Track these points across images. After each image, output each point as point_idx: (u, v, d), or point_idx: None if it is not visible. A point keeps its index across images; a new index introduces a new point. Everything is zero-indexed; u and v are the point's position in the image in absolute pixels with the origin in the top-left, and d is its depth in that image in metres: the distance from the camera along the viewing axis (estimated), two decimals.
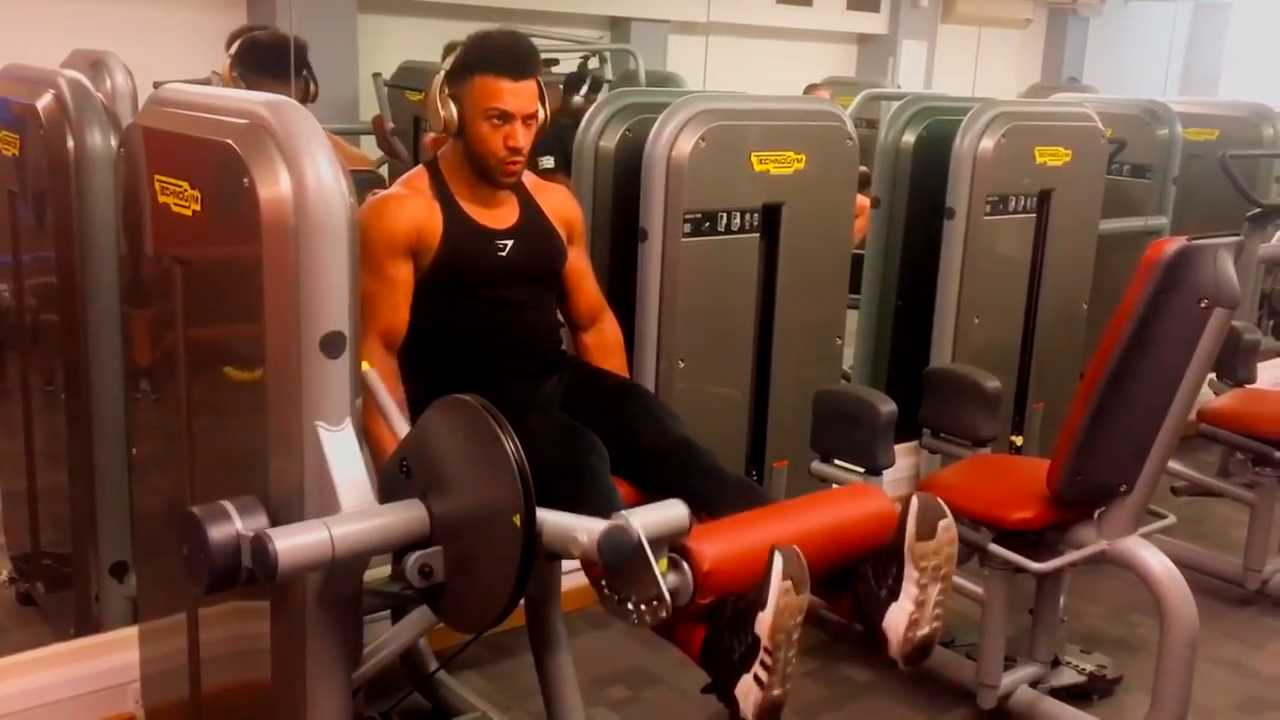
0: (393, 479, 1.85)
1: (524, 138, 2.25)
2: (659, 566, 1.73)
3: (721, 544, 1.86)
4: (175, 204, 1.96)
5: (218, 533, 1.74)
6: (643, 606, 1.74)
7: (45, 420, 2.78)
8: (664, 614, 1.73)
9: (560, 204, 2.46)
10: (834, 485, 2.93)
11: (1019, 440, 3.95)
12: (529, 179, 2.44)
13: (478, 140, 2.25)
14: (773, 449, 3.25)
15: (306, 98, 3.11)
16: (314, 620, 1.87)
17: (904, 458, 3.67)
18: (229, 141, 1.80)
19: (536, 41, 6.79)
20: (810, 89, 6.16)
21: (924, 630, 1.92)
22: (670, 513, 1.78)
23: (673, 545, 1.81)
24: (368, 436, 2.17)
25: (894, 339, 4.03)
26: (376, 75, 5.47)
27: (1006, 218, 3.67)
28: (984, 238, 3.63)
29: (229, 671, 2.10)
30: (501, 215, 2.34)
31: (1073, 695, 2.76)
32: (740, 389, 3.16)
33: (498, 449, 1.69)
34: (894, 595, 1.92)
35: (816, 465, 2.83)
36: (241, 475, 1.89)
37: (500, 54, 2.24)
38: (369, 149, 5.56)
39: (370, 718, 2.04)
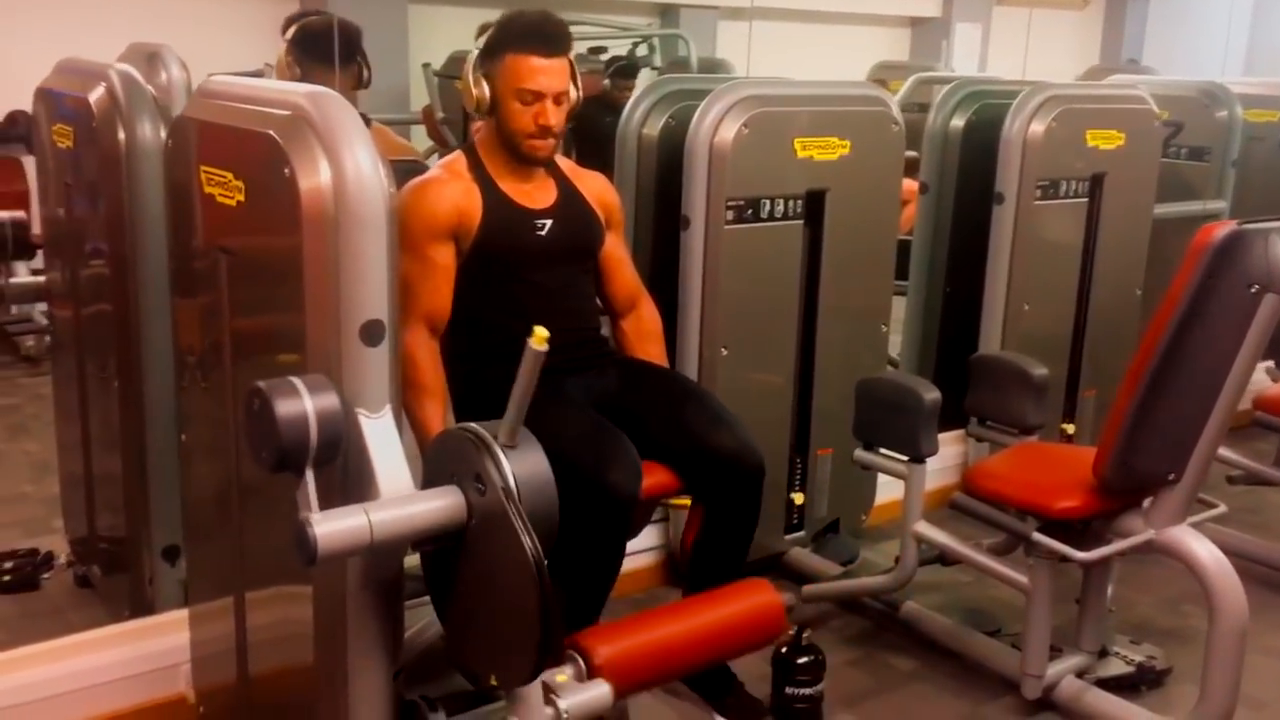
0: (434, 463, 1.87)
1: (554, 116, 2.27)
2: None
3: (622, 662, 1.99)
4: (220, 195, 1.99)
5: (287, 407, 1.69)
6: None
7: (101, 407, 2.84)
8: None
9: (598, 188, 2.47)
10: (878, 473, 2.93)
11: (1071, 428, 3.90)
12: (566, 164, 2.46)
13: (509, 119, 2.27)
14: (817, 437, 3.24)
15: (360, 84, 3.13)
16: (355, 604, 1.90)
17: (952, 446, 3.65)
18: (270, 132, 1.82)
19: (587, 29, 6.76)
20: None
21: None
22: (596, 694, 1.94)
23: (569, 643, 1.96)
24: (409, 414, 2.20)
25: (942, 326, 4.00)
26: (426, 65, 5.53)
27: (1057, 202, 3.63)
28: (1034, 223, 3.59)
29: (274, 655, 2.14)
30: (540, 196, 2.35)
31: (1120, 686, 2.72)
32: (784, 377, 3.15)
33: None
34: None
35: (860, 453, 2.82)
36: None
37: (530, 32, 2.26)
38: (419, 139, 5.61)
39: (412, 700, 2.06)
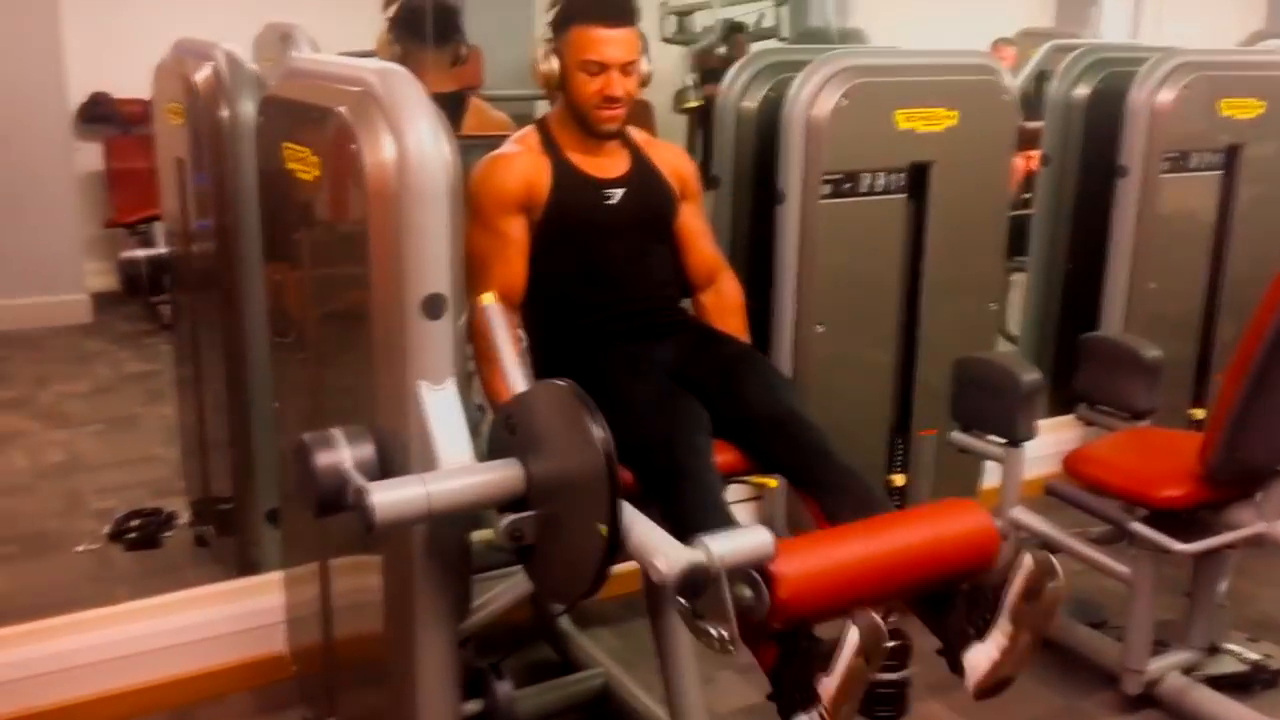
0: (498, 433, 1.89)
1: (620, 86, 2.25)
2: (736, 590, 1.71)
3: (803, 569, 1.80)
4: (300, 170, 2.05)
5: (324, 459, 1.83)
6: (714, 633, 1.71)
7: (211, 374, 2.96)
8: (732, 649, 1.71)
9: (672, 159, 2.45)
10: (976, 455, 2.83)
11: (1200, 414, 3.71)
12: (640, 136, 2.44)
13: (577, 91, 2.27)
14: (920, 417, 3.15)
15: (457, 61, 3.17)
16: (422, 573, 1.94)
17: (1068, 430, 3.51)
18: (340, 109, 1.86)
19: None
20: (997, 45, 5.89)
21: (1005, 673, 1.91)
22: (753, 541, 1.73)
23: (755, 566, 1.78)
24: (485, 387, 2.22)
25: (1063, 304, 3.85)
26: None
27: (1187, 175, 3.44)
28: (1161, 197, 3.41)
29: (352, 620, 2.20)
30: (610, 166, 2.34)
31: (1232, 685, 2.59)
32: (885, 355, 3.07)
33: (592, 454, 1.65)
34: (981, 636, 1.91)
35: (956, 435, 2.73)
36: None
37: (595, 3, 2.26)
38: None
39: (479, 668, 2.10)
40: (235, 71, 2.64)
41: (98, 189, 6.22)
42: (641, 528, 1.73)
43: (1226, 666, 2.63)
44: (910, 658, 2.50)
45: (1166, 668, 2.56)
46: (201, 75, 2.64)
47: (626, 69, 2.25)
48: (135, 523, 3.36)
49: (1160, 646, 2.59)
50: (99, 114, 6.12)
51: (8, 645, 2.47)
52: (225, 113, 2.61)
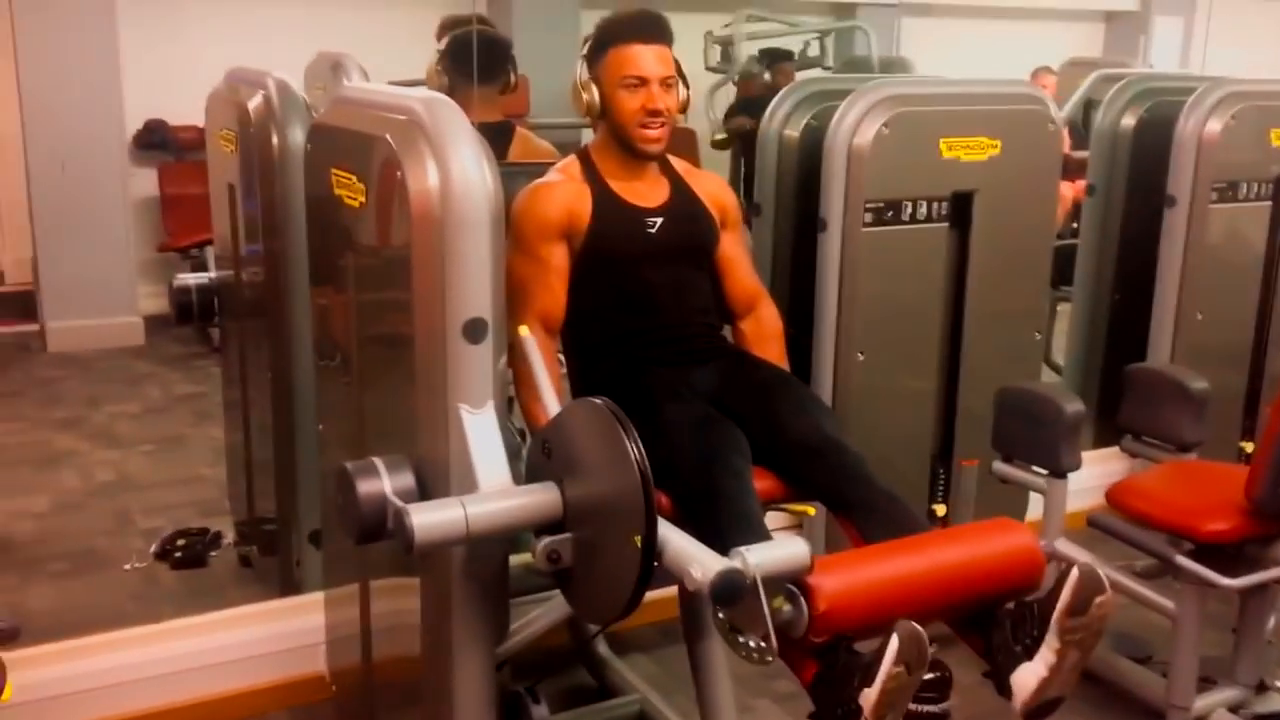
0: (535, 458, 1.91)
1: (662, 100, 2.27)
2: (774, 603, 1.71)
3: (842, 583, 1.80)
4: (347, 196, 2.08)
5: (366, 487, 1.85)
6: (751, 644, 1.73)
7: (260, 398, 3.00)
8: (770, 659, 1.72)
9: (713, 188, 2.46)
10: (1018, 486, 2.81)
11: (1250, 446, 3.65)
12: (681, 164, 2.46)
13: (618, 110, 2.29)
14: (962, 447, 3.13)
15: (507, 89, 3.22)
16: (460, 596, 1.95)
17: (1113, 462, 3.47)
18: (386, 136, 1.90)
19: (764, 26, 6.65)
20: (1038, 74, 5.87)
21: (1053, 693, 1.87)
22: (790, 551, 1.74)
23: (792, 578, 1.77)
24: (524, 410, 2.25)
25: (1110, 334, 3.82)
26: None
27: (1236, 205, 3.41)
28: (1209, 227, 3.38)
29: (391, 642, 2.22)
30: (651, 194, 2.36)
31: None
32: (926, 384, 3.06)
33: (626, 468, 1.67)
34: (1029, 654, 1.87)
35: (998, 465, 2.71)
36: (403, 451, 1.98)
37: (629, 23, 2.30)
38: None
39: (515, 691, 2.11)
40: (286, 99, 2.69)
41: (152, 214, 6.36)
42: (677, 540, 1.74)
43: (1275, 705, 2.58)
44: (951, 689, 2.49)
45: (1212, 705, 2.52)
46: (253, 103, 2.70)
47: (666, 83, 2.28)
48: (181, 542, 3.41)
49: (1206, 683, 2.55)
50: (154, 140, 6.27)
51: (53, 661, 2.51)
52: (275, 140, 2.66)
